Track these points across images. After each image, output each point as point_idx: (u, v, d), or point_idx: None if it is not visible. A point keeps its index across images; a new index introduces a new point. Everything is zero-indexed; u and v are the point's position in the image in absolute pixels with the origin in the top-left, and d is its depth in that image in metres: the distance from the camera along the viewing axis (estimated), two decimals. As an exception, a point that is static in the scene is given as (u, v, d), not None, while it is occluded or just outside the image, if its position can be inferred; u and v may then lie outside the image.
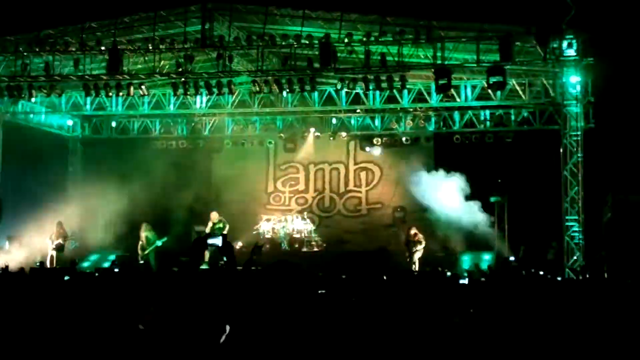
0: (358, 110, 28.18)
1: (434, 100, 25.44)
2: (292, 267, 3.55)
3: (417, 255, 24.29)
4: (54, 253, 24.25)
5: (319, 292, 8.18)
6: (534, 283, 13.42)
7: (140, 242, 25.03)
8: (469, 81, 25.15)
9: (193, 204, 28.19)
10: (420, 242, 24.39)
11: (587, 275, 18.48)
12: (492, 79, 21.42)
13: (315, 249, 27.46)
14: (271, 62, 24.50)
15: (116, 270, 22.15)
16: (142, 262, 24.84)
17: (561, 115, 23.73)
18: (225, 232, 24.27)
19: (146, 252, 24.84)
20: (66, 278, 14.09)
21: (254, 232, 27.90)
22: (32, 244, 24.93)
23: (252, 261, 7.96)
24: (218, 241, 6.26)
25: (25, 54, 23.58)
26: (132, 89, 24.03)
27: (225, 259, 6.72)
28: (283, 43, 22.76)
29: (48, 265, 23.09)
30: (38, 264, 22.54)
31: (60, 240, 24.46)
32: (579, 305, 9.48)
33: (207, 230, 24.96)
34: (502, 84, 21.81)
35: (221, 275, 7.36)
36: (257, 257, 7.94)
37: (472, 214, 25.29)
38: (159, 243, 24.88)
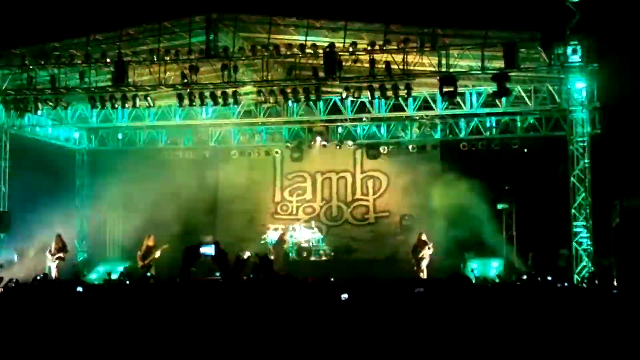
0: (364, 119, 28.12)
1: (440, 107, 25.37)
2: (283, 280, 3.55)
3: (425, 263, 24.05)
4: (54, 265, 24.19)
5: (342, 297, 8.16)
6: (542, 291, 13.35)
7: (140, 253, 24.59)
8: (474, 88, 25.08)
9: (200, 214, 28.15)
10: (429, 248, 24.07)
11: (596, 282, 18.36)
12: (497, 86, 21.44)
13: (324, 258, 27.40)
14: (276, 71, 24.50)
15: (127, 282, 22.13)
16: (141, 270, 24.55)
17: (567, 121, 23.69)
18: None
19: (147, 261, 24.68)
20: (79, 289, 14.11)
21: (262, 242, 27.88)
22: (40, 257, 24.92)
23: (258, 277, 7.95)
24: (211, 250, 6.24)
25: (31, 67, 23.67)
26: (137, 100, 24.09)
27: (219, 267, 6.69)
28: (288, 53, 22.81)
29: (54, 277, 23.06)
30: (41, 276, 22.52)
31: (60, 254, 24.39)
32: (587, 313, 9.43)
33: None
34: (507, 90, 21.80)
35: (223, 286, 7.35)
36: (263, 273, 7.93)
37: None
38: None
